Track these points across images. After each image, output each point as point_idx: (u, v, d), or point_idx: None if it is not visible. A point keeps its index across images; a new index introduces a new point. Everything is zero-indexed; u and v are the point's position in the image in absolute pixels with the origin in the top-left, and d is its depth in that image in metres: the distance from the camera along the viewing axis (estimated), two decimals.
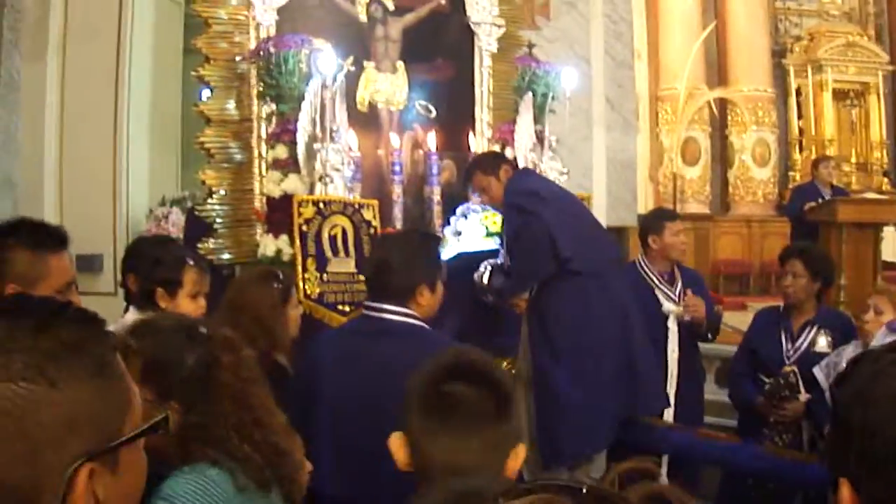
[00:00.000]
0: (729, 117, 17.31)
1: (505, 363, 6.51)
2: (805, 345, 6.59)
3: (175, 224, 9.85)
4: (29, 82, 9.68)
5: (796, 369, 6.46)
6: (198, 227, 7.47)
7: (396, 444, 2.49)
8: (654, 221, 7.40)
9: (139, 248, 5.04)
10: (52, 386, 1.44)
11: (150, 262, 4.66)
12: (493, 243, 7.36)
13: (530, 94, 8.68)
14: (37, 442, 1.43)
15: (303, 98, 7.02)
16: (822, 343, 6.55)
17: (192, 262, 4.74)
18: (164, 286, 4.56)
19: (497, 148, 8.61)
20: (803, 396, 6.39)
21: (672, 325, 7.12)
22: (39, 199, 9.83)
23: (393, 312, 4.08)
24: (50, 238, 3.55)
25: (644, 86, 15.87)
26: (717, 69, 17.52)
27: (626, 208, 13.16)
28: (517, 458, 2.39)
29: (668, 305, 7.13)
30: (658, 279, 7.21)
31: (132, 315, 4.62)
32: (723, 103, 16.96)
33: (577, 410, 6.19)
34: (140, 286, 4.67)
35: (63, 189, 9.96)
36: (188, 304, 4.60)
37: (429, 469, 2.39)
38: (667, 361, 7.07)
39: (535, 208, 6.48)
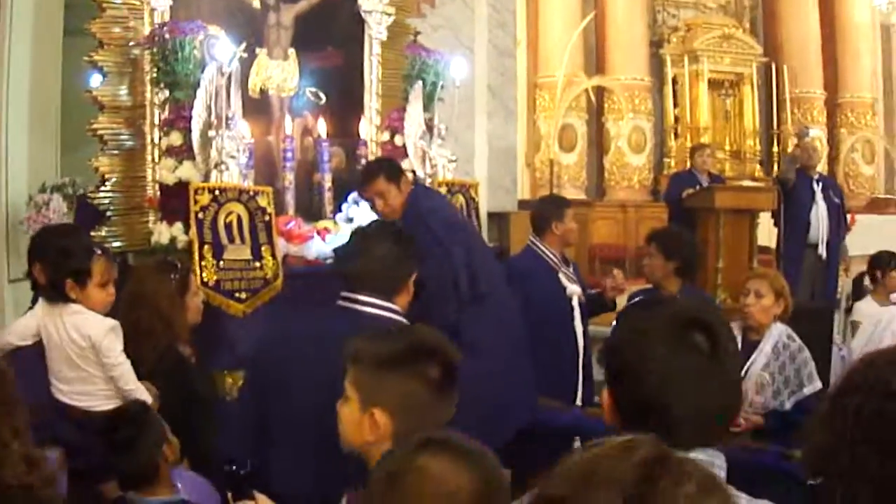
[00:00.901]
0: (606, 105, 17.55)
1: None
2: None
3: (56, 211, 9.70)
4: None
5: None
6: (88, 214, 7.42)
7: (381, 417, 2.81)
8: (557, 208, 7.58)
9: (46, 239, 5.00)
10: None
11: (58, 253, 4.65)
12: None
13: (420, 82, 8.79)
14: None
15: (198, 85, 7.02)
16: None
17: (99, 252, 4.75)
18: (73, 277, 4.57)
19: (387, 135, 8.70)
20: None
21: (576, 305, 7.35)
22: None
23: (377, 307, 3.93)
24: None
25: (523, 73, 16.01)
26: (596, 58, 17.76)
27: (507, 194, 13.31)
28: None
29: (571, 287, 7.37)
30: (559, 262, 7.42)
31: (41, 308, 4.64)
32: (600, 91, 17.19)
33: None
34: (49, 278, 4.66)
35: None
36: (98, 293, 4.64)
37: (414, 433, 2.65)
38: (575, 341, 7.30)
39: (449, 240, 6.39)
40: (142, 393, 4.65)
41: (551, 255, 7.42)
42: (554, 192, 13.32)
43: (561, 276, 7.39)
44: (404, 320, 3.95)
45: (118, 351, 4.60)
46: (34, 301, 4.90)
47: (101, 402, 4.58)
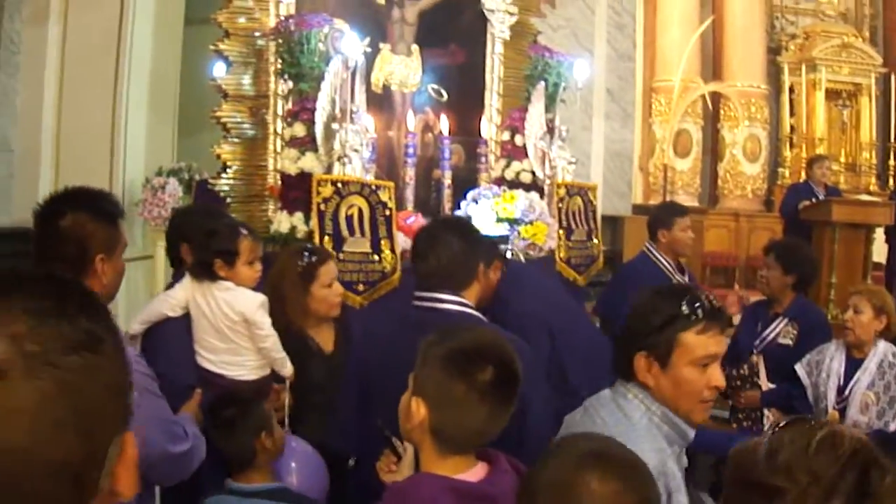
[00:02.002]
0: (722, 111, 17.37)
1: None
2: (771, 335, 6.74)
3: (171, 194, 9.87)
4: (29, 46, 9.67)
5: (757, 359, 6.65)
6: (207, 200, 7.49)
7: (417, 406, 2.80)
8: (665, 216, 7.48)
9: (191, 221, 5.24)
10: (101, 354, 1.39)
11: (205, 235, 4.78)
12: (504, 229, 7.43)
13: (542, 82, 8.74)
14: (91, 412, 1.36)
15: (322, 77, 7.05)
16: (785, 335, 6.73)
17: (245, 231, 4.86)
18: (221, 257, 4.69)
19: (507, 134, 8.68)
20: (764, 386, 6.55)
21: None
22: (36, 165, 9.80)
23: (448, 302, 4.04)
24: (114, 206, 3.66)
25: (639, 77, 15.89)
26: (713, 63, 17.57)
27: (621, 198, 13.25)
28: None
29: None
30: (673, 270, 7.30)
31: (189, 283, 4.76)
32: (716, 97, 16.99)
33: None
34: (197, 258, 4.80)
35: (60, 155, 9.93)
36: (246, 270, 4.80)
37: (450, 431, 2.77)
38: None
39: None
40: (287, 362, 4.84)
41: (665, 263, 7.32)
42: (670, 199, 13.18)
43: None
44: (475, 312, 4.05)
45: (268, 323, 4.78)
46: (175, 277, 5.07)
47: (248, 371, 4.76)
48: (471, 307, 4.08)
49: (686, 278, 7.41)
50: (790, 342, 6.71)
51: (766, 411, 6.62)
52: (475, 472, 2.77)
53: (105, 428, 1.38)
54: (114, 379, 1.40)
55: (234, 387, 4.65)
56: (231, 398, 4.31)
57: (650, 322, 3.14)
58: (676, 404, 3.14)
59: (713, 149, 17.53)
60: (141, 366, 3.51)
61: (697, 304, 3.13)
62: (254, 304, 4.74)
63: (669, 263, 7.33)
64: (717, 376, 3.14)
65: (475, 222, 7.45)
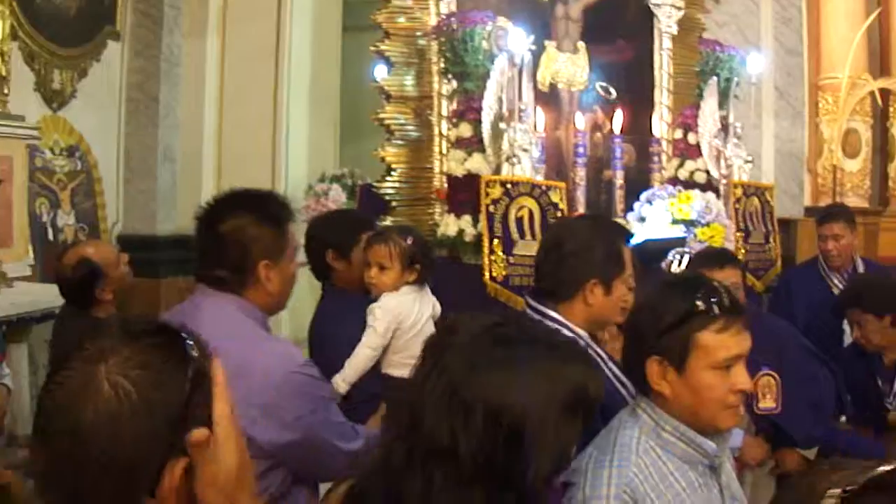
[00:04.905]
0: (892, 109, 16.76)
1: None
2: None
3: (335, 200, 9.81)
4: (189, 58, 9.80)
5: None
6: (372, 204, 7.39)
7: None
8: (818, 221, 7.28)
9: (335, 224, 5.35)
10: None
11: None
12: (680, 231, 7.16)
13: (715, 78, 8.44)
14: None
15: (488, 76, 6.88)
16: None
17: None
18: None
19: (679, 133, 8.41)
20: None
21: (846, 328, 6.81)
22: (198, 174, 9.88)
23: (545, 317, 3.42)
24: (281, 209, 3.46)
25: (805, 74, 15.41)
26: (879, 58, 16.96)
27: (793, 200, 12.84)
28: None
29: None
30: (838, 279, 6.97)
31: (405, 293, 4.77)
32: (885, 94, 16.40)
33: None
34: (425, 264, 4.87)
35: (222, 164, 9.99)
36: None
37: None
38: None
39: None
40: None
41: (827, 271, 7.07)
42: (839, 201, 12.73)
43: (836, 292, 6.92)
44: (574, 333, 3.37)
45: None
46: (325, 290, 5.12)
47: None
48: (568, 327, 3.39)
49: None
50: None
51: None
52: None
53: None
54: None
55: None
56: None
57: (662, 320, 2.76)
58: (697, 413, 2.76)
59: (882, 148, 16.91)
60: (312, 369, 3.31)
61: (714, 299, 2.75)
62: None
63: (835, 273, 7.02)
64: (742, 379, 2.75)
65: (631, 226, 7.22)
